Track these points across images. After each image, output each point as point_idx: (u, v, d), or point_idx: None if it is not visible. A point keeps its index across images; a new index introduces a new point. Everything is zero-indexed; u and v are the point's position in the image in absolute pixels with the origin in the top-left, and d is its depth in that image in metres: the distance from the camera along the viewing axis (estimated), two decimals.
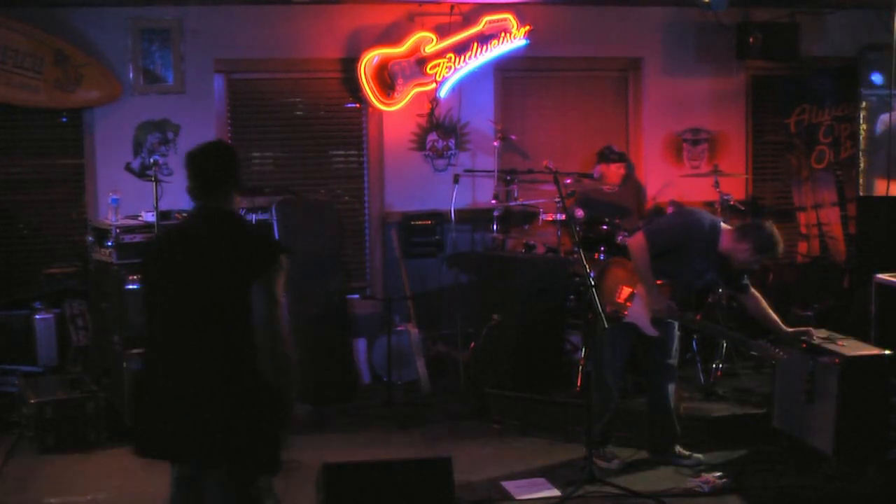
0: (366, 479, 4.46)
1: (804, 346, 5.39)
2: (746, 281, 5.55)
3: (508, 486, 5.34)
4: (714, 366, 6.95)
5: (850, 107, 8.44)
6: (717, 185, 7.41)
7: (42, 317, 6.93)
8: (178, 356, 3.42)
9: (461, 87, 7.93)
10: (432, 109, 7.93)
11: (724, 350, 7.03)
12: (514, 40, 7.78)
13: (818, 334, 5.50)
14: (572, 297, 7.00)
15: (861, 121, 8.22)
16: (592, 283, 5.16)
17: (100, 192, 7.30)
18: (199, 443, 3.36)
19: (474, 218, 7.98)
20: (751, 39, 8.09)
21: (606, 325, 5.11)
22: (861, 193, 8.16)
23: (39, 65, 7.00)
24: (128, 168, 6.98)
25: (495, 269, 7.30)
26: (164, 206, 6.45)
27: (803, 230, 8.61)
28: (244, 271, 3.37)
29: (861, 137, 8.22)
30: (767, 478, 5.38)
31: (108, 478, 5.54)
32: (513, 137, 7.80)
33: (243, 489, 3.43)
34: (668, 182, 8.14)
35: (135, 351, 6.09)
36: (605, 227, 7.01)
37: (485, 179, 7.99)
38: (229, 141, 7.65)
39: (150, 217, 6.53)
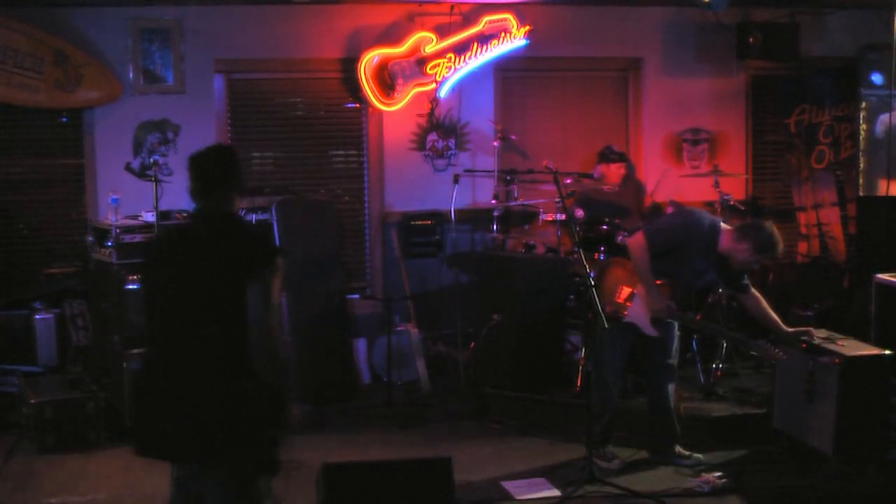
0: (366, 479, 4.46)
1: (804, 346, 5.39)
2: (746, 281, 5.55)
3: (508, 486, 5.34)
4: (714, 366, 6.96)
5: (850, 107, 8.44)
6: (717, 185, 7.41)
7: (42, 317, 6.93)
8: (178, 356, 3.43)
9: (461, 87, 7.93)
10: (432, 109, 7.93)
11: (724, 350, 7.04)
12: (514, 40, 7.79)
13: (818, 334, 5.49)
14: (572, 297, 7.01)
15: (861, 121, 8.22)
16: (592, 283, 5.16)
17: (100, 192, 7.31)
18: (198, 443, 3.36)
19: (474, 218, 7.98)
20: (751, 39, 8.09)
21: (606, 325, 5.11)
22: (861, 193, 8.17)
23: (39, 65, 7.01)
24: (128, 168, 6.98)
25: (495, 269, 7.31)
26: (164, 206, 6.45)
27: (803, 230, 8.61)
28: (242, 271, 3.37)
29: (861, 137, 8.22)
30: (767, 478, 5.38)
31: (108, 478, 5.54)
32: (513, 137, 7.80)
33: (243, 489, 3.43)
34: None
35: (135, 351, 6.10)
36: (605, 227, 7.00)
37: (485, 179, 7.99)
38: (229, 141, 7.67)
39: (150, 217, 6.53)
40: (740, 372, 7.01)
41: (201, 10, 7.43)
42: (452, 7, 7.75)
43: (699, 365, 6.88)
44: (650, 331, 5.50)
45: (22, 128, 7.33)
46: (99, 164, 7.37)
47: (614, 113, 8.55)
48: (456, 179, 7.76)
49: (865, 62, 8.22)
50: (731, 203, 7.34)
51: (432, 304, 7.78)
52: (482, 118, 8.01)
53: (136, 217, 6.77)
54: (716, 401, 6.57)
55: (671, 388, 5.66)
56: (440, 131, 7.99)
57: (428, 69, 7.69)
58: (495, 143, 7.78)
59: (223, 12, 7.49)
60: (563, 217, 6.94)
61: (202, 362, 3.37)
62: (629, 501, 5.11)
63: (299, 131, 7.93)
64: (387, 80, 7.63)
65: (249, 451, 3.40)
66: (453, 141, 8.03)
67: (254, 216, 6.90)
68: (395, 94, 7.67)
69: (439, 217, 7.83)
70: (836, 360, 5.20)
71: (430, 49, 7.68)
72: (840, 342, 5.37)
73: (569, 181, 7.27)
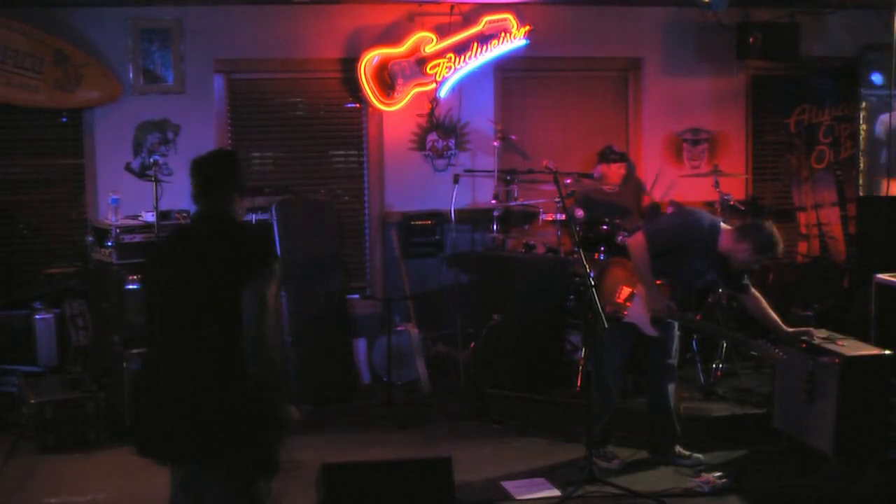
0: (366, 479, 4.46)
1: (804, 346, 5.39)
2: (746, 281, 5.55)
3: (508, 486, 5.34)
4: (714, 366, 6.96)
5: (850, 107, 8.44)
6: (717, 185, 7.41)
7: (42, 317, 6.93)
8: (178, 356, 3.43)
9: (461, 87, 7.93)
10: (432, 109, 7.93)
11: (724, 350, 7.03)
12: (514, 40, 7.79)
13: (818, 334, 5.49)
14: (572, 297, 7.00)
15: (861, 121, 8.22)
16: (592, 283, 5.16)
17: (100, 192, 7.31)
18: (198, 443, 3.36)
19: (474, 218, 7.98)
20: (751, 39, 8.09)
21: (606, 325, 5.11)
22: (861, 193, 8.17)
23: (39, 65, 7.01)
24: (128, 168, 6.98)
25: (495, 269, 7.31)
26: (163, 206, 6.45)
27: (803, 230, 8.61)
28: (240, 272, 3.38)
29: (861, 137, 8.22)
30: (767, 478, 5.39)
31: (108, 478, 5.54)
32: (513, 137, 7.80)
33: (243, 489, 3.43)
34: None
35: (135, 351, 6.10)
36: (605, 227, 7.00)
37: (485, 179, 7.99)
38: (229, 141, 7.67)
39: (150, 217, 6.53)
40: (740, 372, 7.01)
41: (201, 10, 7.43)
42: (452, 7, 7.75)
43: (699, 365, 6.87)
44: (650, 331, 5.50)
45: (22, 128, 7.33)
46: (99, 164, 7.36)
47: (614, 113, 8.55)
48: (456, 179, 7.76)
49: (865, 62, 8.22)
50: (731, 203, 7.34)
51: (432, 304, 7.78)
52: (482, 118, 8.01)
53: (136, 217, 6.77)
54: (716, 401, 6.57)
55: (671, 388, 5.66)
56: (440, 131, 7.99)
57: (428, 69, 7.69)
58: (495, 143, 7.78)
59: (223, 12, 7.49)
60: (563, 217, 6.94)
61: (202, 362, 3.37)
62: (629, 501, 5.11)
63: (299, 131, 7.93)
64: (387, 80, 7.63)
65: (249, 451, 3.40)
66: (453, 141, 8.03)
67: (254, 216, 6.91)
68: (395, 94, 7.67)
69: (439, 217, 7.83)
70: (836, 360, 5.20)
71: (430, 49, 7.68)
72: (840, 342, 5.37)
73: (569, 181, 7.27)
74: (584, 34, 8.19)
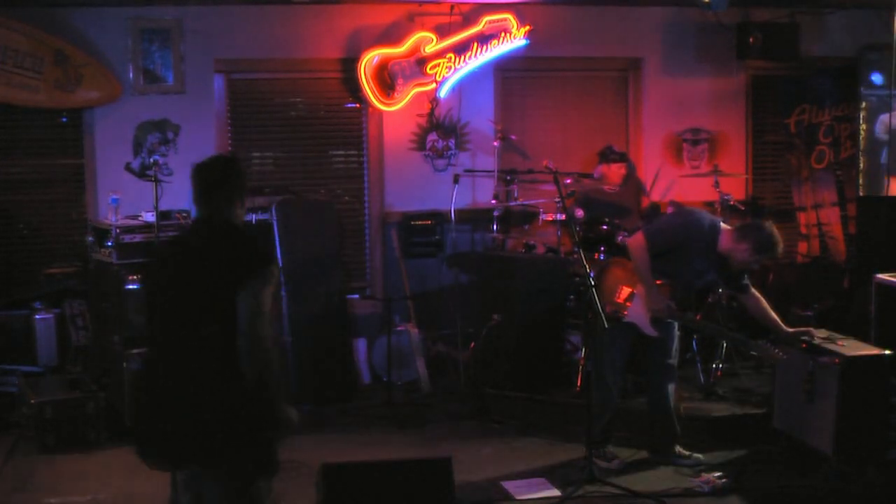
0: (366, 479, 4.46)
1: (804, 346, 5.39)
2: (746, 281, 5.55)
3: (508, 486, 5.34)
4: (714, 366, 6.96)
5: (850, 107, 8.44)
6: (717, 185, 7.42)
7: (42, 317, 6.92)
8: (178, 356, 3.43)
9: (461, 87, 7.93)
10: (432, 109, 7.93)
11: (724, 350, 7.04)
12: (514, 40, 7.79)
13: (818, 334, 5.49)
14: (572, 297, 7.01)
15: (861, 121, 8.22)
16: (592, 283, 5.16)
17: (100, 192, 7.31)
18: (198, 443, 3.36)
19: (474, 218, 7.98)
20: (751, 39, 8.09)
21: (606, 325, 5.11)
22: (861, 193, 8.17)
23: (39, 65, 7.00)
24: (128, 168, 6.98)
25: (495, 269, 7.31)
26: (164, 206, 6.45)
27: (803, 230, 8.62)
28: (240, 271, 3.38)
29: (861, 137, 8.22)
30: (767, 478, 5.38)
31: (108, 478, 5.53)
32: (513, 137, 7.80)
33: (243, 489, 3.43)
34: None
35: (135, 351, 6.10)
36: (605, 227, 7.01)
37: (485, 179, 7.99)
38: (229, 141, 7.67)
39: (150, 217, 6.53)
40: (740, 372, 7.01)
41: (201, 10, 7.43)
42: (452, 7, 7.75)
43: (699, 365, 6.88)
44: (650, 331, 5.50)
45: (22, 128, 7.33)
46: (99, 164, 7.36)
47: (614, 113, 8.55)
48: (456, 179, 7.76)
49: (865, 62, 8.22)
50: (731, 203, 7.35)
51: (432, 304, 7.78)
52: (482, 118, 8.01)
53: (136, 217, 6.77)
54: (716, 401, 6.57)
55: (671, 388, 5.66)
56: (440, 131, 7.99)
57: (428, 69, 7.70)
58: (495, 143, 7.78)
59: (223, 12, 7.49)
60: (563, 217, 6.94)
61: (202, 362, 3.37)
62: (629, 501, 5.10)
63: (299, 131, 7.93)
64: (387, 80, 7.63)
65: (249, 450, 3.40)
66: (453, 141, 8.03)
67: (254, 216, 6.91)
68: (395, 94, 7.67)
69: (439, 217, 7.83)
70: (836, 360, 5.20)
71: (430, 49, 7.68)
72: (840, 342, 5.37)
73: (569, 181, 7.27)
74: (584, 34, 8.19)
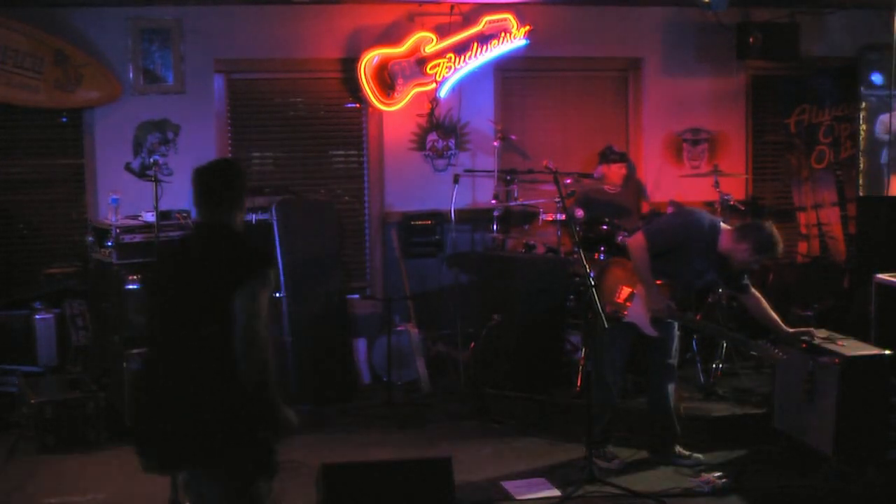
0: (366, 479, 4.46)
1: (804, 346, 5.40)
2: (746, 281, 5.55)
3: (508, 486, 5.34)
4: (714, 366, 6.96)
5: (850, 107, 8.44)
6: (717, 185, 7.42)
7: (42, 317, 6.92)
8: (178, 356, 3.43)
9: (461, 87, 7.93)
10: (432, 109, 7.93)
11: (724, 350, 7.04)
12: (514, 40, 7.79)
13: (818, 334, 5.50)
14: (572, 297, 7.00)
15: (861, 121, 8.22)
16: (592, 283, 5.16)
17: (100, 192, 7.31)
18: (198, 443, 3.36)
19: (474, 218, 7.98)
20: (751, 39, 8.09)
21: (606, 325, 5.11)
22: (861, 193, 8.17)
23: (39, 65, 7.00)
24: (128, 168, 6.97)
25: (495, 269, 7.30)
26: (163, 206, 6.44)
27: (803, 230, 8.62)
28: (240, 272, 3.38)
29: (861, 137, 8.22)
30: (767, 478, 5.38)
31: (108, 478, 5.53)
32: (513, 137, 7.79)
33: (243, 489, 3.43)
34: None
35: (135, 351, 6.10)
36: (605, 227, 7.01)
37: (485, 179, 7.99)
38: (229, 141, 7.67)
39: (150, 217, 6.53)
40: (740, 372, 7.01)
41: (201, 10, 7.43)
42: (452, 7, 7.75)
43: (699, 365, 6.88)
44: (650, 331, 5.50)
45: (22, 128, 7.33)
46: (99, 164, 7.36)
47: (614, 113, 8.55)
48: (456, 179, 7.76)
49: (865, 62, 8.22)
50: (731, 203, 7.35)
51: (432, 304, 7.78)
52: (482, 118, 8.01)
53: (136, 217, 6.77)
54: (716, 401, 6.57)
55: (671, 388, 5.66)
56: (440, 131, 7.99)
57: (428, 69, 7.69)
58: (495, 143, 7.78)
59: (223, 12, 7.49)
60: (563, 217, 6.94)
61: (202, 362, 3.37)
62: (629, 501, 5.10)
63: (299, 131, 7.93)
64: (387, 80, 7.63)
65: (249, 451, 3.40)
66: (453, 141, 8.03)
67: (254, 216, 6.91)
68: (395, 94, 7.67)
69: (439, 217, 7.83)
70: (836, 360, 5.20)
71: (430, 49, 7.68)
72: (840, 342, 5.37)
73: (569, 181, 7.27)
74: (584, 34, 8.19)
